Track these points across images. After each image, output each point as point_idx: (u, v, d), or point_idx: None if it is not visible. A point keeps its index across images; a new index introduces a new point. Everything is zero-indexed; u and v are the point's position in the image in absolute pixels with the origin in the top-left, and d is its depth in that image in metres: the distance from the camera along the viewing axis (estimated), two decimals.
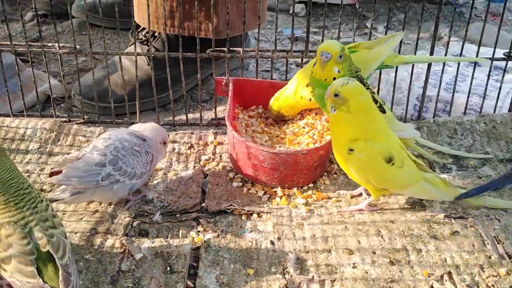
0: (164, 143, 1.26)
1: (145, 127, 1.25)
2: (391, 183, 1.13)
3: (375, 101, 1.19)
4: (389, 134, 1.13)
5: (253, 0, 1.58)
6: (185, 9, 1.50)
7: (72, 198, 1.10)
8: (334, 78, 1.16)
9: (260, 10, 1.40)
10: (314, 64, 1.21)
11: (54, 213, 0.92)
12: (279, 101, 1.37)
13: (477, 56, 1.49)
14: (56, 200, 1.11)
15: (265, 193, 1.24)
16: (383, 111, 1.20)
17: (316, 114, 1.39)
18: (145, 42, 1.64)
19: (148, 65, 1.60)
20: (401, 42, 1.45)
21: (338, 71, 1.18)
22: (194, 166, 1.33)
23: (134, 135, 1.19)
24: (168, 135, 1.36)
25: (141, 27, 1.67)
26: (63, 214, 1.16)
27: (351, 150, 1.09)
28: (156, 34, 1.65)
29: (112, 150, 1.12)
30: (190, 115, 1.59)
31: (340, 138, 1.11)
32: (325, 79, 1.18)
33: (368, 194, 1.20)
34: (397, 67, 1.52)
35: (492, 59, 1.49)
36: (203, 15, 1.51)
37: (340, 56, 1.16)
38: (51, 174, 1.29)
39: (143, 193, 1.22)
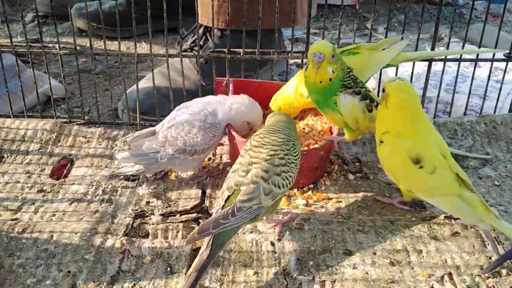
0: (248, 123, 1.27)
1: (236, 102, 1.28)
2: (415, 186, 1.10)
3: (372, 100, 1.19)
4: (430, 137, 1.10)
5: None
6: (249, 4, 1.45)
7: (138, 172, 1.23)
8: (330, 79, 1.15)
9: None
10: (306, 68, 1.17)
11: (282, 173, 1.01)
12: (277, 101, 1.37)
13: (477, 57, 1.49)
14: (124, 175, 1.24)
15: None
16: None
17: (316, 115, 1.39)
18: (191, 51, 1.62)
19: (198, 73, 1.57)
20: (387, 38, 1.45)
21: (333, 71, 1.15)
22: None
23: (201, 114, 1.24)
24: None
25: (186, 35, 1.67)
26: (63, 214, 1.16)
27: (381, 142, 1.11)
28: (201, 42, 1.64)
29: (172, 132, 1.21)
30: None
31: (377, 130, 1.13)
32: (320, 81, 1.15)
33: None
34: (397, 68, 1.52)
35: (492, 60, 1.49)
36: (266, 10, 1.46)
37: (333, 56, 1.14)
38: (52, 174, 1.30)
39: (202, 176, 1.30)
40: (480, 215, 1.05)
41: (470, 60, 1.53)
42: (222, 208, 0.98)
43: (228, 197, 1.00)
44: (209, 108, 1.25)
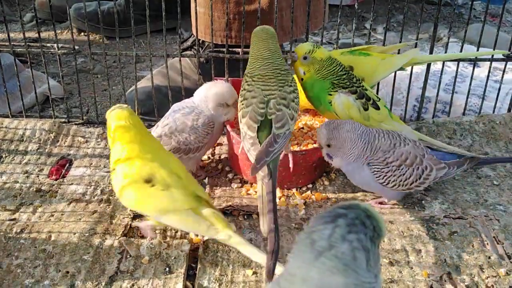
0: (227, 105, 1.24)
1: (202, 96, 1.25)
2: (150, 206, 1.05)
3: (368, 99, 1.19)
4: (160, 159, 1.07)
5: (306, 4, 1.54)
6: (244, 20, 1.44)
7: None
8: (302, 79, 1.21)
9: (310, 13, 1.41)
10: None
11: (295, 99, 1.10)
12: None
13: (476, 57, 1.49)
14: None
15: None
16: (377, 108, 1.20)
17: (314, 115, 1.39)
18: (191, 50, 1.62)
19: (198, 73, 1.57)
20: (400, 43, 1.45)
21: (304, 73, 1.20)
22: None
23: (192, 114, 1.23)
24: None
25: (187, 38, 1.66)
26: (62, 214, 1.16)
27: (113, 170, 1.06)
28: (201, 42, 1.63)
29: (166, 131, 1.21)
30: None
31: (111, 159, 1.08)
32: (302, 79, 1.22)
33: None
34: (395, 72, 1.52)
35: (491, 60, 1.49)
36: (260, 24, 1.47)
37: (305, 58, 1.18)
38: (50, 174, 1.29)
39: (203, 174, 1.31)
40: (217, 227, 1.02)
41: (469, 60, 1.52)
42: (257, 138, 1.05)
43: (258, 128, 1.06)
44: (198, 109, 1.24)
